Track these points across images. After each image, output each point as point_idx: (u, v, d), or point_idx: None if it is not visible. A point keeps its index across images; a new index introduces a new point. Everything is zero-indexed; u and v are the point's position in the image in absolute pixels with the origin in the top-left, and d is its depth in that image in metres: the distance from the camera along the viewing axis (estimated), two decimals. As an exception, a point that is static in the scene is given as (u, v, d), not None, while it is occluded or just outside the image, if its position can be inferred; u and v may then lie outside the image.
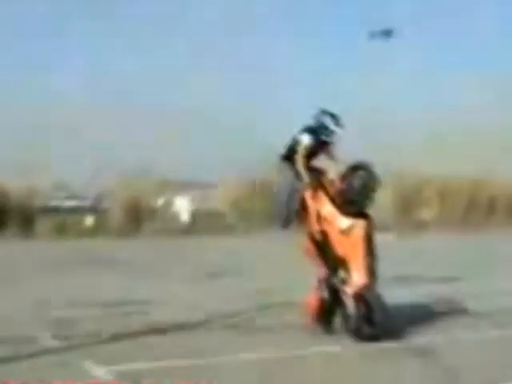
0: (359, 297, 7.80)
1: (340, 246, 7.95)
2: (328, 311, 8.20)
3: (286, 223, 8.30)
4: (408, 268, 14.46)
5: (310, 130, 8.31)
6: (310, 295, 8.27)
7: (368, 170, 8.05)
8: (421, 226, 30.54)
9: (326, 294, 8.13)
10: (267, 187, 29.24)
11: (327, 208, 8.07)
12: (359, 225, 7.91)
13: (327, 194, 8.14)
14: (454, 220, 31.73)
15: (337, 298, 8.10)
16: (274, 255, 17.94)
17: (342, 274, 7.98)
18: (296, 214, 8.18)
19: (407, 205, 32.29)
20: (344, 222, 7.95)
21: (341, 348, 7.49)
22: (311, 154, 8.29)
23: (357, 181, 8.01)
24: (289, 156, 8.34)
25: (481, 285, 12.32)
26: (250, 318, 9.17)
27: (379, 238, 8.04)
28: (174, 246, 21.91)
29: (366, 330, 7.72)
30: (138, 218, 28.14)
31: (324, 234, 8.05)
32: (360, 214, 8.00)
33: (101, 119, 32.64)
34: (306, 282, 8.42)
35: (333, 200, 8.08)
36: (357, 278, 7.83)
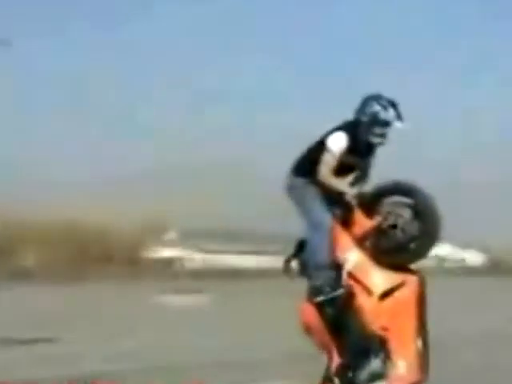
0: None
1: (376, 318, 4.85)
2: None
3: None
4: None
5: (350, 127, 5.00)
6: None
7: (420, 197, 4.97)
8: (23, 275, 27.76)
9: None
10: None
11: (353, 257, 4.97)
12: (410, 283, 4.90)
13: (351, 232, 5.04)
14: (63, 269, 29.97)
15: None
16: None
17: (375, 363, 4.86)
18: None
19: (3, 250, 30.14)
20: (384, 279, 4.90)
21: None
22: (342, 166, 5.03)
23: (404, 214, 4.96)
24: (307, 168, 5.05)
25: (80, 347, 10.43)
26: None
27: None
28: None
29: None
30: None
31: (347, 296, 4.92)
32: (399, 267, 4.99)
33: None
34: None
35: (361, 243, 5.00)
36: (404, 370, 4.78)
